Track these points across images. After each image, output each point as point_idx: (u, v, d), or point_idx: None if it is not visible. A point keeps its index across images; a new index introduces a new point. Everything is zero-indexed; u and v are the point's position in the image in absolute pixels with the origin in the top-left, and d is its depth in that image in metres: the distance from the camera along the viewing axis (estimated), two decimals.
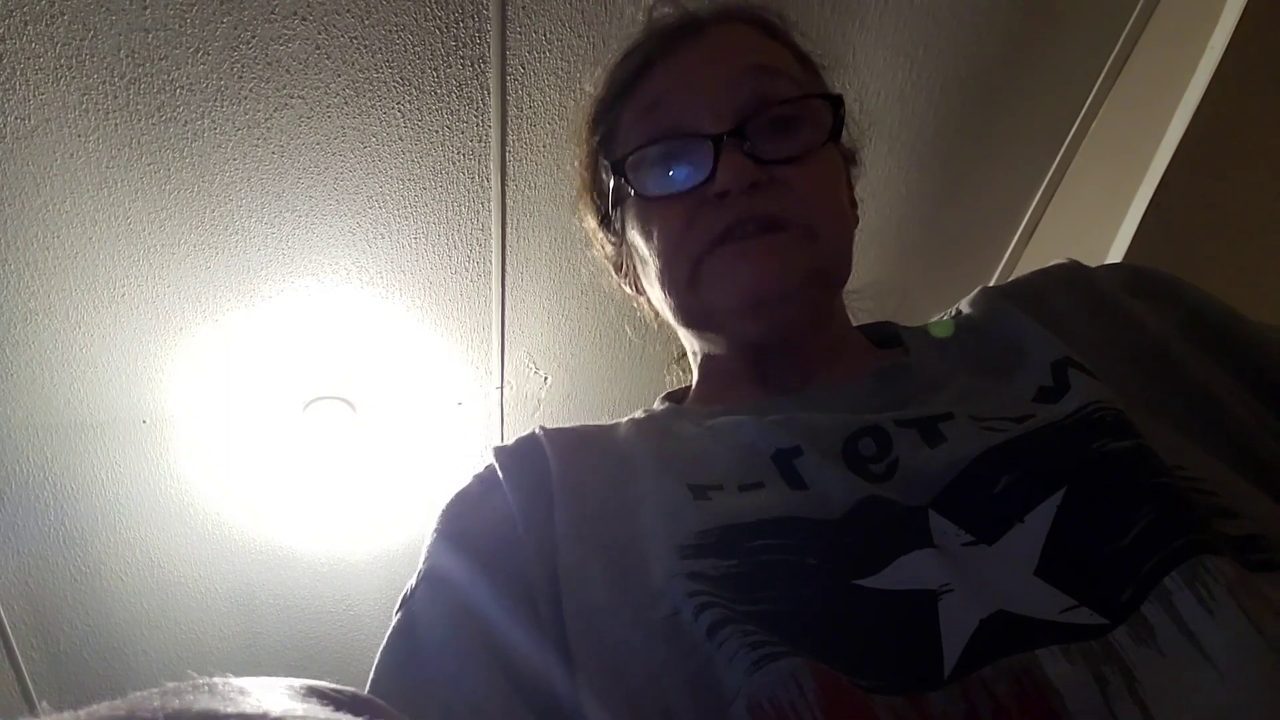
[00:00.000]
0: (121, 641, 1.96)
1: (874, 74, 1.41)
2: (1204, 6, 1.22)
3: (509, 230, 1.50)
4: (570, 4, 1.27)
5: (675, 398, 0.70)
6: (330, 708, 0.25)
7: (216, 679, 0.22)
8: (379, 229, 1.47)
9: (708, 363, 0.67)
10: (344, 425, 1.72)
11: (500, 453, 0.59)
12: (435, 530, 0.56)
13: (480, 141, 1.39)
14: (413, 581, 0.53)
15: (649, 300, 0.69)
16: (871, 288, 0.72)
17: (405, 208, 1.45)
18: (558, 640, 0.46)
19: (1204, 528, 0.40)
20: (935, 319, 0.66)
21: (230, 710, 0.20)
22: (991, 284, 0.65)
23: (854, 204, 0.69)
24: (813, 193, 0.59)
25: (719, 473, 0.52)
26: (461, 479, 0.60)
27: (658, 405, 0.68)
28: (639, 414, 0.65)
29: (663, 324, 0.70)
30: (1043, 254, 1.61)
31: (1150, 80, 1.36)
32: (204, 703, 0.20)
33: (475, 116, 1.36)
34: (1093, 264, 0.64)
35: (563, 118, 1.38)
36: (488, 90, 1.33)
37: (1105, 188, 1.40)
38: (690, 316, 0.62)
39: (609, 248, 0.72)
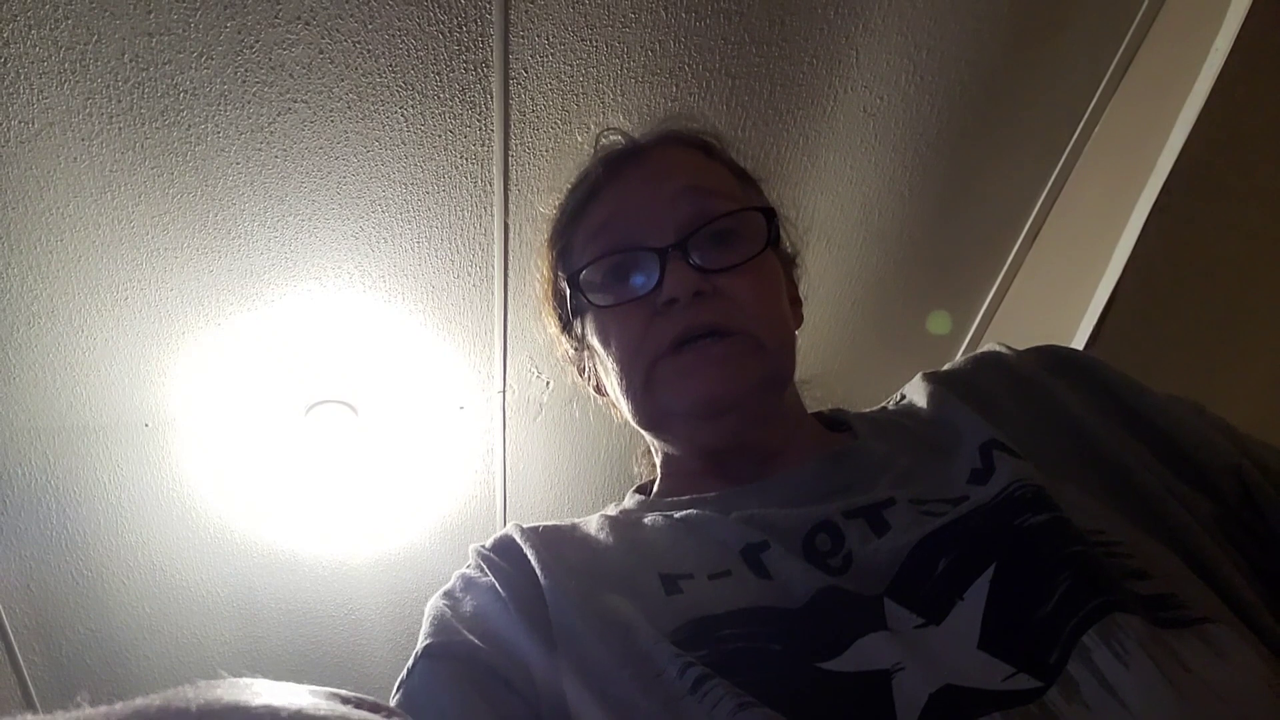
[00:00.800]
0: (123, 645, 1.95)
1: (877, 76, 1.41)
2: (1207, 9, 1.22)
3: (512, 234, 1.51)
4: (573, 8, 1.28)
5: (644, 490, 0.74)
6: (350, 705, 0.25)
7: (244, 679, 0.23)
8: (382, 233, 1.47)
9: (669, 460, 0.71)
10: (346, 429, 1.72)
11: (480, 550, 0.63)
12: (426, 619, 0.59)
13: (483, 145, 1.39)
14: (409, 663, 0.55)
15: (611, 401, 0.74)
16: (820, 378, 0.78)
17: (408, 212, 1.45)
18: (556, 700, 0.50)
19: (1116, 588, 0.44)
20: (887, 400, 0.72)
21: (259, 703, 0.20)
22: (943, 364, 0.71)
23: (797, 303, 0.74)
24: (755, 300, 0.64)
25: (691, 563, 0.55)
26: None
27: (628, 500, 0.72)
28: (610, 509, 0.69)
29: (625, 422, 0.74)
30: (1045, 257, 1.61)
31: (1154, 84, 1.36)
32: (233, 696, 0.20)
33: (478, 120, 1.36)
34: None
35: (566, 122, 1.39)
36: (490, 94, 1.34)
37: (1109, 191, 1.41)
38: (647, 419, 0.67)
39: (571, 351, 0.76)
